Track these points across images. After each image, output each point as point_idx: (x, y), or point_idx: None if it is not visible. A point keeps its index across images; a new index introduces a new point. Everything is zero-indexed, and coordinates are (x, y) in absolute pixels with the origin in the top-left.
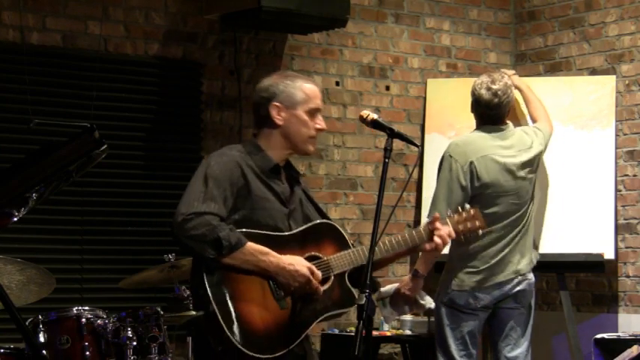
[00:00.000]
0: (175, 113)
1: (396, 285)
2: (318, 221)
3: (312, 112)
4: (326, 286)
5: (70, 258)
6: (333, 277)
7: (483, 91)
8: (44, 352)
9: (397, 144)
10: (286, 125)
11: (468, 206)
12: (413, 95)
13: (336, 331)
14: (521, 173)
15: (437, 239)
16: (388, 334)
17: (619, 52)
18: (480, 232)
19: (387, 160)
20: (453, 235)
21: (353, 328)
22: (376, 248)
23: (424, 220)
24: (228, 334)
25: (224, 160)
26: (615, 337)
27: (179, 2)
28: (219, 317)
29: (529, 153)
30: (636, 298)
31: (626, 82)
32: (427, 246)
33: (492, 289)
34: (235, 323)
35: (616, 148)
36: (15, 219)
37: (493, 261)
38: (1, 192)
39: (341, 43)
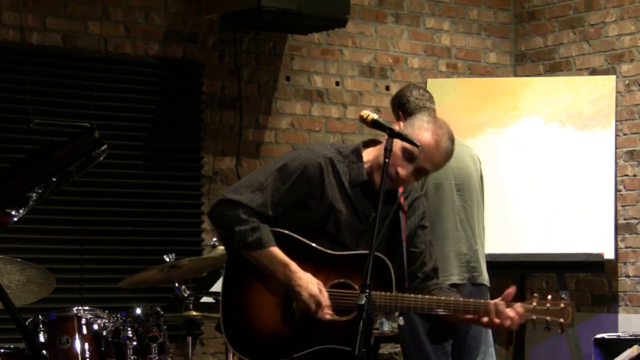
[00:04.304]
0: (175, 113)
1: None
2: (367, 252)
3: (408, 158)
4: (347, 318)
5: (70, 258)
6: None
7: (411, 91)
8: (44, 352)
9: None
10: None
11: (563, 296)
12: None
13: None
14: (479, 168)
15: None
16: (388, 334)
17: (619, 52)
18: (560, 330)
19: (387, 160)
20: (517, 321)
21: None
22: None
23: None
24: (221, 322)
25: (307, 156)
26: (615, 337)
27: (179, 2)
28: (220, 305)
29: (474, 152)
30: (636, 298)
31: (626, 82)
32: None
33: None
34: (232, 316)
35: (616, 148)
36: (15, 219)
37: (451, 262)
38: (1, 192)
39: (341, 43)
